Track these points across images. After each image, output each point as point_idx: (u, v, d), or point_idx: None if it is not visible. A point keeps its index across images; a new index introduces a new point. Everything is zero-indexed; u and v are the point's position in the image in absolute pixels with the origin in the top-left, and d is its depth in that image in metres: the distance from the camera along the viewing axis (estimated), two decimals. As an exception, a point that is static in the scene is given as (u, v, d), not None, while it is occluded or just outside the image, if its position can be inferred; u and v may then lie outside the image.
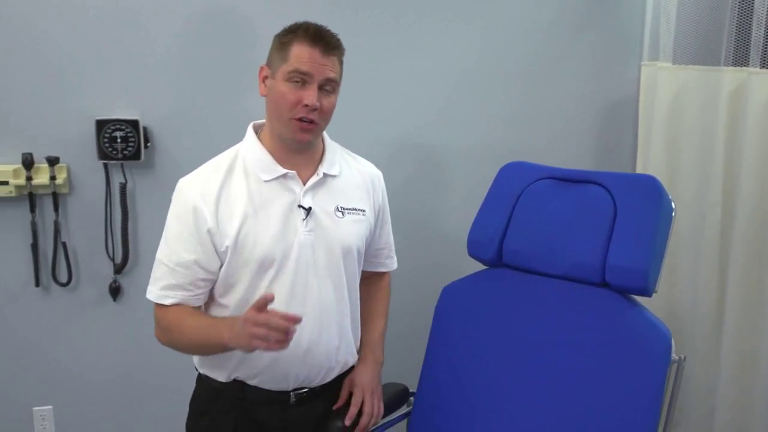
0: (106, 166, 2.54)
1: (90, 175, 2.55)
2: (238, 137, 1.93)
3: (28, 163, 2.46)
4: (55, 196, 2.52)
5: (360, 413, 1.93)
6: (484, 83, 2.80)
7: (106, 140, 2.47)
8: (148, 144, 2.54)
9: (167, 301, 1.78)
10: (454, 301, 2.14)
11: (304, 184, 1.81)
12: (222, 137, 2.00)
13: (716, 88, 2.57)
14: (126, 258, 2.61)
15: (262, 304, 1.57)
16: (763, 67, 2.47)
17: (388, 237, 2.07)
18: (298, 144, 1.79)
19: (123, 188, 2.56)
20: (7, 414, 2.67)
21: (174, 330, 1.79)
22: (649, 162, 2.78)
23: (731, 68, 2.54)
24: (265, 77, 1.80)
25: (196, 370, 1.93)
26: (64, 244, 2.57)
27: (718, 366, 2.61)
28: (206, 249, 1.75)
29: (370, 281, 2.08)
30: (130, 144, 2.49)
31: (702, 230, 2.63)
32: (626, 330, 1.85)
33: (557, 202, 2.04)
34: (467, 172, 2.74)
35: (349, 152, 2.00)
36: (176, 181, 1.90)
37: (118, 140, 2.48)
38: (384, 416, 2.05)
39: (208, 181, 1.79)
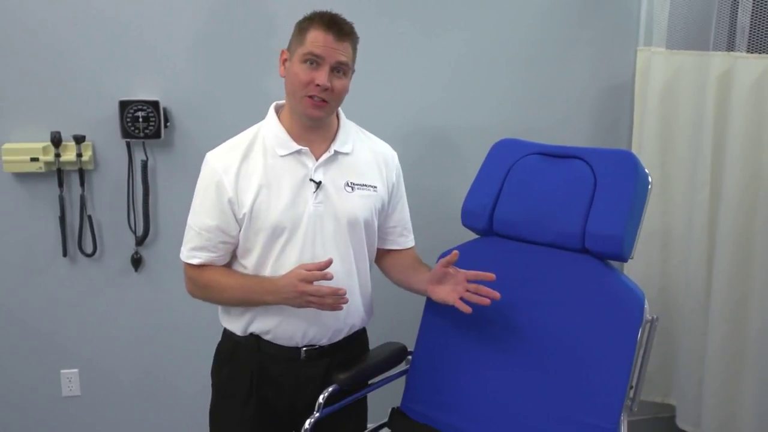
0: (128, 144, 2.66)
1: (113, 153, 2.67)
2: (252, 118, 2.06)
3: (56, 141, 2.58)
4: (81, 172, 2.64)
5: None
6: (489, 67, 2.88)
7: (128, 120, 2.59)
8: (168, 124, 2.65)
9: (195, 261, 1.97)
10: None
11: (317, 160, 1.96)
12: (236, 117, 2.12)
13: (706, 72, 2.67)
14: (147, 231, 2.73)
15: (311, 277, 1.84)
16: (749, 51, 2.57)
17: (402, 215, 2.18)
18: (310, 120, 1.93)
19: (144, 165, 2.67)
20: (37, 376, 2.80)
21: (212, 289, 1.99)
22: (644, 141, 2.87)
23: (719, 53, 2.64)
24: (285, 60, 1.95)
25: (221, 323, 2.10)
26: (89, 217, 2.69)
27: (705, 337, 2.70)
28: (227, 216, 1.92)
29: (399, 256, 2.20)
30: (151, 123, 2.60)
31: (692, 206, 2.73)
32: (604, 291, 1.96)
33: (543, 176, 2.15)
34: (469, 150, 2.78)
35: (365, 132, 2.13)
36: (194, 158, 2.03)
37: (140, 120, 2.59)
38: (383, 373, 2.19)
39: (230, 155, 1.94)
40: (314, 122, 1.95)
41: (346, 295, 1.89)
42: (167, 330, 2.84)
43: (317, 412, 1.97)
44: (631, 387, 1.90)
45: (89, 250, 2.72)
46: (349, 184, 1.99)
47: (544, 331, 2.04)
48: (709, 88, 2.65)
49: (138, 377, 2.88)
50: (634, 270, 2.83)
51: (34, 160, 2.57)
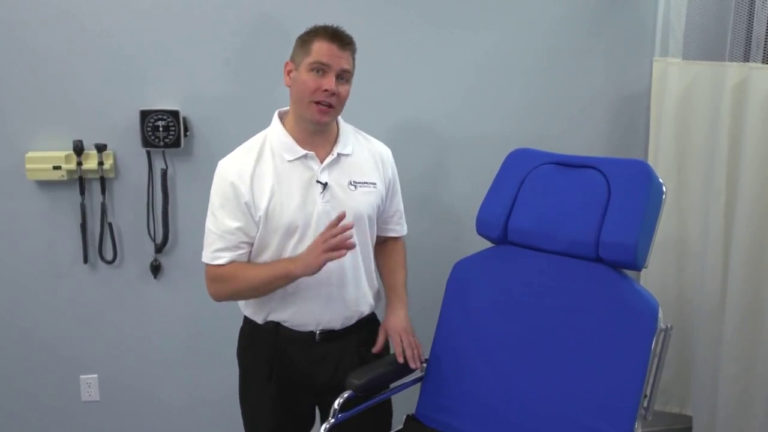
0: (148, 153, 2.70)
1: (134, 161, 2.71)
2: (267, 126, 2.13)
3: (78, 149, 2.62)
4: (103, 180, 2.68)
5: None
6: (506, 76, 2.91)
7: (149, 129, 2.63)
8: (188, 133, 2.69)
9: (220, 261, 2.05)
10: (464, 275, 2.27)
11: (322, 163, 2.07)
12: (255, 127, 2.16)
13: (721, 82, 2.67)
14: (166, 238, 2.77)
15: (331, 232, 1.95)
16: (764, 62, 2.58)
17: (398, 205, 2.30)
18: (317, 125, 2.04)
19: (164, 174, 2.71)
20: (56, 381, 2.84)
21: (237, 280, 2.06)
22: (660, 151, 2.88)
23: (735, 63, 2.64)
24: (290, 71, 2.07)
25: (242, 311, 2.21)
26: (110, 225, 2.73)
27: (720, 346, 2.70)
28: (246, 218, 2.03)
29: (386, 245, 2.31)
30: (171, 133, 2.64)
31: (707, 215, 2.73)
32: (618, 300, 1.97)
33: (558, 185, 2.16)
34: (485, 158, 2.70)
35: (362, 133, 2.24)
36: (212, 167, 2.08)
37: (160, 129, 2.63)
38: (397, 380, 2.20)
39: (243, 161, 2.05)
40: (319, 127, 2.06)
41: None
42: (185, 336, 2.88)
43: (332, 417, 2.00)
44: (645, 395, 1.91)
45: (109, 257, 2.76)
46: (352, 183, 2.11)
47: (557, 338, 2.06)
48: (724, 98, 2.66)
49: (156, 383, 2.91)
50: (649, 279, 2.84)
51: (57, 168, 2.62)
